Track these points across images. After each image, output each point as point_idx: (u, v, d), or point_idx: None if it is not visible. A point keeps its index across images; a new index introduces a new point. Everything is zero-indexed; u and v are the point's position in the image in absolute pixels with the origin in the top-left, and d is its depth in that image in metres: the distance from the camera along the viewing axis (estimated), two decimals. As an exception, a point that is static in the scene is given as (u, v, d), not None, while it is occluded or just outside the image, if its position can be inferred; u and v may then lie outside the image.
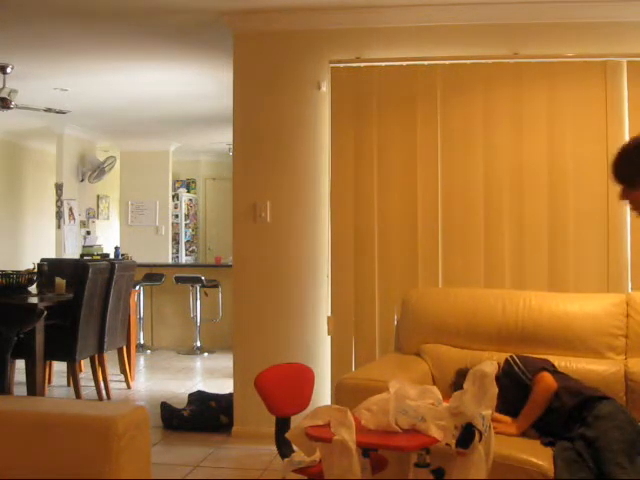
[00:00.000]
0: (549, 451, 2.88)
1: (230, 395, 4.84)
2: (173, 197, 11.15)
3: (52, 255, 8.77)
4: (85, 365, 6.16)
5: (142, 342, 8.28)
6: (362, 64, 4.54)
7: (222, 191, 11.27)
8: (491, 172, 4.39)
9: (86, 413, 2.16)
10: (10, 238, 9.48)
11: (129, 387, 6.20)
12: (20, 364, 5.15)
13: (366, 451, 2.40)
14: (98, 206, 10.75)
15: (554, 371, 3.20)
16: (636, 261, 4.23)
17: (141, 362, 7.66)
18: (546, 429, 3.04)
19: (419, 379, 3.56)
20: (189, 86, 6.72)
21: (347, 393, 3.07)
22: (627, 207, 2.30)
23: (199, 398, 5.13)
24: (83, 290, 5.34)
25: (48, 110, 6.47)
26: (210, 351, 8.10)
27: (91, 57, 5.73)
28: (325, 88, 4.59)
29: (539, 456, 2.83)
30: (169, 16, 4.68)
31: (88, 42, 5.31)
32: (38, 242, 9.72)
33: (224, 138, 8.52)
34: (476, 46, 4.42)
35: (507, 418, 3.13)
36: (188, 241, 11.95)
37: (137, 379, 6.63)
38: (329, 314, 4.62)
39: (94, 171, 9.53)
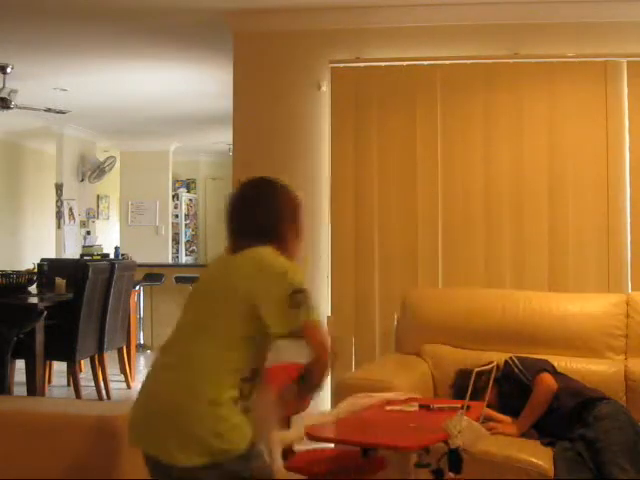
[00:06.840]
0: (549, 451, 2.88)
1: (230, 395, 4.82)
2: (173, 197, 11.13)
3: (52, 255, 8.75)
4: (85, 365, 6.15)
5: (142, 342, 8.27)
6: (362, 64, 4.53)
7: (222, 191, 11.23)
8: (491, 172, 4.39)
9: (86, 413, 2.17)
10: (10, 238, 9.47)
11: (129, 387, 6.19)
12: (20, 364, 5.14)
13: (366, 451, 2.40)
14: (98, 206, 10.74)
15: (554, 372, 3.20)
16: (636, 261, 4.22)
17: (141, 362, 7.64)
18: (546, 430, 3.04)
19: (419, 379, 3.57)
20: (189, 86, 6.71)
21: (347, 393, 3.07)
22: None
23: (199, 398, 5.11)
24: (83, 290, 5.33)
25: (48, 110, 6.46)
26: (210, 351, 8.06)
27: (91, 57, 5.72)
28: (325, 88, 4.59)
29: (539, 456, 2.83)
30: (169, 16, 4.67)
31: (88, 42, 5.30)
32: (38, 242, 9.71)
33: (224, 138, 8.50)
34: (476, 46, 4.42)
35: (507, 418, 3.13)
36: (188, 241, 11.94)
37: (137, 379, 6.61)
38: (329, 314, 4.61)
39: (94, 171, 9.52)
